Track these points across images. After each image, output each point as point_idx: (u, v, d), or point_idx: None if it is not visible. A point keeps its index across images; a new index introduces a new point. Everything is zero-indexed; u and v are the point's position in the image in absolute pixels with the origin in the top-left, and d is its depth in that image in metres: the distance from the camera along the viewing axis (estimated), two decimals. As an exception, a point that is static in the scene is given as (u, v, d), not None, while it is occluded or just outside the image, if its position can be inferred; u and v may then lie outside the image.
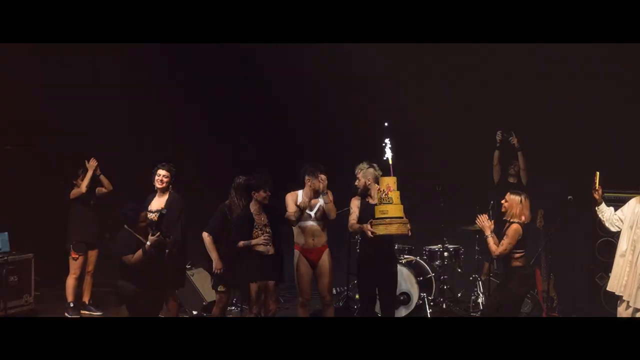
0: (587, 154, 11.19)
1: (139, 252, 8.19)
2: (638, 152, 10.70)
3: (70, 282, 10.93)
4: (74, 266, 10.93)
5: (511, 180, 11.06)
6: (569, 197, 10.38)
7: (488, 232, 8.45)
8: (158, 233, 8.46)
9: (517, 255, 8.32)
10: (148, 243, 8.30)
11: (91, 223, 11.01)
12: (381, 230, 8.37)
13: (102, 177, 10.89)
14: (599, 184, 8.51)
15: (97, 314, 11.12)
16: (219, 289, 9.21)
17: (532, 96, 11.93)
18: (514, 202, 8.40)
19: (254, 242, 8.67)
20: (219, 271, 8.99)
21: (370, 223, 8.43)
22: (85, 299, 11.19)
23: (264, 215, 8.78)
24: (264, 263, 8.76)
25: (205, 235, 9.08)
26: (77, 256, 10.91)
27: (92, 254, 11.08)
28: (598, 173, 8.51)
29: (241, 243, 8.66)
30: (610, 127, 11.42)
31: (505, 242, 8.28)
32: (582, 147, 11.50)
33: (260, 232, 8.73)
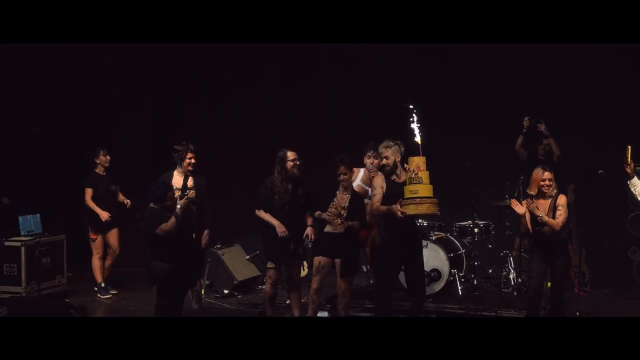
0: (618, 127, 11.08)
1: (172, 219, 8.23)
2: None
3: (96, 263, 11.01)
4: (95, 247, 11.00)
5: (541, 157, 10.99)
6: (600, 171, 10.30)
7: (539, 213, 8.37)
8: (186, 196, 8.53)
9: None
10: (178, 206, 8.34)
11: (110, 205, 11.07)
12: (412, 210, 8.31)
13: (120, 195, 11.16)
14: (631, 158, 8.44)
15: (112, 292, 11.21)
16: (268, 266, 9.21)
17: (559, 70, 11.82)
18: (553, 177, 8.49)
19: (324, 215, 8.79)
20: (285, 234, 8.94)
21: (400, 203, 8.38)
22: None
23: (347, 197, 8.85)
24: (329, 240, 8.83)
25: (257, 212, 9.11)
26: (95, 237, 10.98)
27: (113, 235, 11.13)
28: (630, 147, 8.44)
29: (317, 213, 8.81)
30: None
31: (563, 211, 8.31)
32: (614, 120, 11.39)
33: (334, 209, 8.81)
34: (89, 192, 10.93)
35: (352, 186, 8.96)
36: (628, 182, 8.60)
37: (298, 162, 9.00)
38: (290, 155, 9.04)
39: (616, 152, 8.82)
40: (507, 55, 11.67)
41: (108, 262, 11.20)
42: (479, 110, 12.21)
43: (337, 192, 8.86)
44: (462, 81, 12.24)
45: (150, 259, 8.39)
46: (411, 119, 8.56)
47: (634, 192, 8.60)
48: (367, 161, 9.59)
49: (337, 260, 8.85)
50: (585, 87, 11.70)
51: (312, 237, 9.13)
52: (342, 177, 8.79)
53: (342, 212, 8.76)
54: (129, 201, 11.12)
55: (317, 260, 8.89)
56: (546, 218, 8.31)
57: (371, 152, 9.46)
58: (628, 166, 8.47)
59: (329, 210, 8.75)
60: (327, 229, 8.82)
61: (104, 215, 10.85)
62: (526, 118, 10.95)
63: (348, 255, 8.85)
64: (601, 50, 10.90)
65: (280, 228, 8.92)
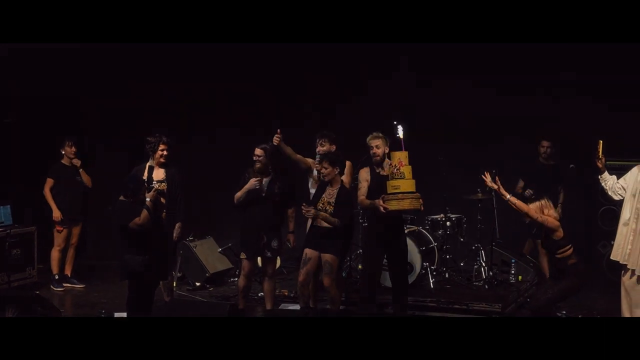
0: (589, 122, 11.13)
1: (144, 212, 8.22)
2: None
3: (55, 254, 11.03)
4: (59, 239, 11.01)
5: (542, 160, 10.90)
6: (570, 165, 10.37)
7: (503, 192, 8.25)
8: (153, 188, 8.51)
9: (569, 251, 8.11)
10: (148, 199, 8.33)
11: (76, 196, 11.04)
12: (394, 205, 8.33)
13: (82, 172, 11.07)
14: (602, 153, 8.47)
15: (80, 286, 11.19)
16: (240, 257, 9.24)
17: (534, 65, 11.85)
18: (535, 209, 8.14)
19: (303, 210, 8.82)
20: (257, 183, 8.95)
21: (383, 198, 8.39)
22: (68, 271, 11.26)
23: (335, 192, 8.85)
24: (316, 234, 8.85)
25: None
26: (61, 229, 10.97)
27: (77, 228, 11.14)
28: (601, 141, 8.47)
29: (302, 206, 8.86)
30: (613, 96, 11.35)
31: (547, 216, 8.07)
32: (585, 115, 11.44)
33: (321, 204, 8.84)
34: (49, 182, 10.94)
35: (341, 181, 8.93)
36: (599, 176, 8.62)
37: (257, 159, 9.02)
38: (255, 151, 9.08)
39: (588, 146, 8.87)
40: (484, 52, 11.69)
41: (71, 253, 11.23)
42: (454, 104, 12.23)
43: (327, 187, 8.86)
44: (441, 74, 12.23)
45: (122, 252, 8.35)
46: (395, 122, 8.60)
47: (604, 186, 8.62)
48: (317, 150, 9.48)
49: (322, 255, 8.84)
50: (559, 82, 11.75)
51: (294, 244, 9.18)
52: (323, 171, 8.79)
53: (329, 207, 8.76)
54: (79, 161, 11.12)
55: (305, 252, 8.93)
56: (514, 199, 8.23)
57: (320, 140, 9.35)
58: (599, 161, 8.49)
59: (304, 207, 8.78)
60: (315, 222, 8.84)
61: (57, 214, 10.87)
62: (528, 190, 10.67)
63: (334, 251, 8.83)
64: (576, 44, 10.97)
65: (252, 181, 8.96)
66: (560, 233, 8.10)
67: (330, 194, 8.81)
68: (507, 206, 8.37)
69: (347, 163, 9.38)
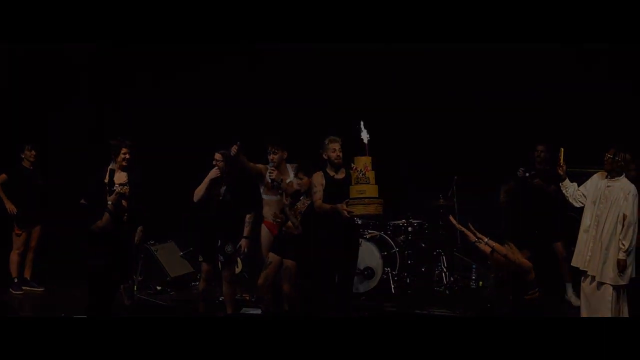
0: (551, 130, 11.22)
1: (106, 215, 8.20)
2: (601, 128, 10.75)
3: (14, 257, 10.94)
4: (17, 242, 10.93)
5: (537, 165, 10.84)
6: (532, 172, 10.42)
7: (478, 237, 7.96)
8: (115, 191, 8.47)
9: (537, 294, 7.88)
10: (109, 202, 8.29)
11: (34, 197, 10.98)
12: (360, 210, 8.19)
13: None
14: (563, 160, 8.54)
15: (39, 289, 11.11)
16: (199, 259, 9.19)
17: (497, 67, 11.93)
18: (499, 258, 7.88)
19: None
20: (217, 171, 8.91)
21: (346, 203, 8.28)
22: (27, 274, 11.16)
23: (307, 202, 8.80)
24: (282, 240, 8.84)
25: None
26: (20, 232, 10.88)
27: (35, 230, 11.06)
28: (563, 149, 8.54)
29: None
30: (574, 103, 11.46)
31: (520, 258, 7.84)
32: (546, 123, 11.53)
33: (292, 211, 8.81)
34: (1, 177, 10.86)
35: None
36: (560, 184, 8.69)
37: (216, 163, 8.98)
38: (215, 155, 9.04)
39: (550, 154, 8.93)
40: (448, 56, 11.75)
41: (30, 256, 11.15)
42: (415, 107, 12.26)
43: (301, 197, 8.83)
44: (403, 78, 12.27)
45: (85, 256, 8.30)
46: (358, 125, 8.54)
47: (566, 193, 8.69)
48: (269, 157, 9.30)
49: (284, 260, 8.81)
50: (520, 86, 11.84)
51: (245, 249, 9.09)
52: (299, 182, 8.77)
53: (298, 216, 8.73)
54: None
55: (268, 255, 8.92)
56: (492, 242, 7.88)
57: (272, 149, 9.15)
58: (561, 168, 8.56)
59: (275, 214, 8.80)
60: (285, 227, 8.83)
61: (10, 207, 10.81)
62: (521, 169, 10.62)
63: (297, 259, 8.80)
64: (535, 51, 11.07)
65: (213, 170, 8.94)
66: (533, 275, 8.00)
67: (304, 204, 8.76)
68: (469, 213, 8.39)
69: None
